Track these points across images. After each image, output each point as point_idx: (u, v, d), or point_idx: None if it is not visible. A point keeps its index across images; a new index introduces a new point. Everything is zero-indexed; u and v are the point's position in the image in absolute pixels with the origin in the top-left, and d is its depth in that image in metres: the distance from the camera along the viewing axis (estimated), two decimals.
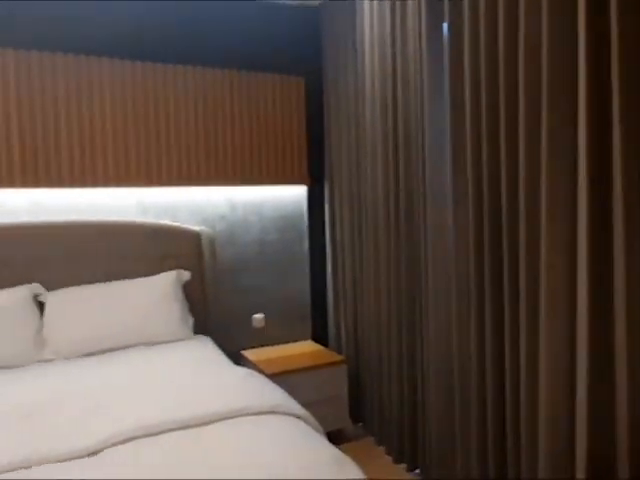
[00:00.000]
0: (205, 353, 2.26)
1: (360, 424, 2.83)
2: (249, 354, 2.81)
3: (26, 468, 1.26)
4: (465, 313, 1.95)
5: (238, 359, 2.86)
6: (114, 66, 2.54)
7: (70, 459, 1.31)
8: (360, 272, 2.74)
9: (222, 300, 2.88)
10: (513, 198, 1.68)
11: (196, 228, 2.76)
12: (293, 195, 3.08)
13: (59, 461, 1.30)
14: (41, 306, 2.35)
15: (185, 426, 1.44)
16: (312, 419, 1.62)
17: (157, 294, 2.46)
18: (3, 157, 2.34)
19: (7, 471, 1.26)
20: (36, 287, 2.36)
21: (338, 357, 2.71)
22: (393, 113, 2.35)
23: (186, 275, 2.64)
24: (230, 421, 1.48)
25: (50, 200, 2.51)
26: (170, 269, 2.63)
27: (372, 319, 2.62)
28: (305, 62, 3.07)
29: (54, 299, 2.32)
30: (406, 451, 2.38)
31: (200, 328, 2.69)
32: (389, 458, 2.49)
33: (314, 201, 3.14)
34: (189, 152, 2.71)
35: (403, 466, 2.41)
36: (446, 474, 2.10)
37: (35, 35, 2.43)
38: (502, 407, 1.80)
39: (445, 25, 1.92)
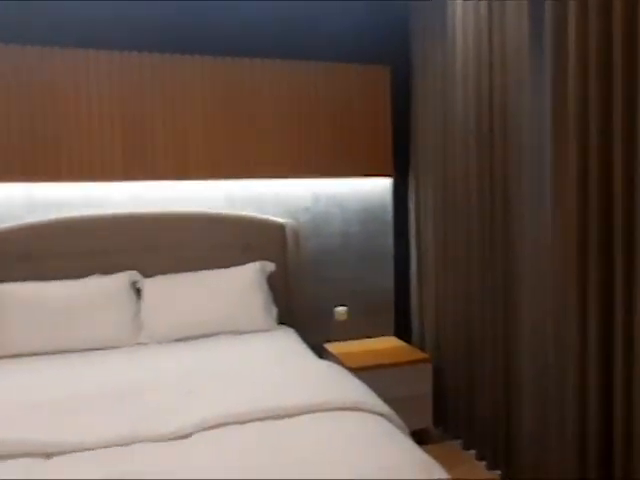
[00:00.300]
0: (289, 344, 2.29)
1: (440, 426, 2.72)
2: (331, 347, 2.80)
3: (124, 446, 1.34)
4: (562, 311, 1.79)
5: (320, 352, 2.86)
6: (204, 63, 2.62)
7: (163, 440, 1.37)
8: (446, 267, 2.63)
9: (305, 292, 2.90)
10: (628, 198, 1.52)
11: (281, 220, 2.79)
12: (377, 187, 3.02)
13: (153, 441, 1.36)
14: (138, 292, 2.50)
15: (270, 416, 1.45)
16: (397, 418, 1.57)
17: (243, 284, 2.52)
18: (107, 154, 2.50)
19: (105, 447, 1.34)
20: (134, 274, 2.51)
21: (422, 354, 2.63)
22: (489, 107, 2.22)
23: (270, 266, 2.68)
24: (314, 415, 1.47)
25: (147, 193, 2.65)
26: (255, 260, 2.69)
27: (461, 317, 2.51)
28: (391, 50, 2.98)
29: (150, 286, 2.46)
30: (500, 457, 2.24)
31: (283, 319, 2.72)
32: (480, 463, 2.37)
33: (399, 193, 3.06)
34: (275, 145, 2.74)
35: (497, 472, 2.28)
36: None
37: (132, 36, 2.57)
38: (608, 408, 1.64)
39: (547, 20, 1.78)
